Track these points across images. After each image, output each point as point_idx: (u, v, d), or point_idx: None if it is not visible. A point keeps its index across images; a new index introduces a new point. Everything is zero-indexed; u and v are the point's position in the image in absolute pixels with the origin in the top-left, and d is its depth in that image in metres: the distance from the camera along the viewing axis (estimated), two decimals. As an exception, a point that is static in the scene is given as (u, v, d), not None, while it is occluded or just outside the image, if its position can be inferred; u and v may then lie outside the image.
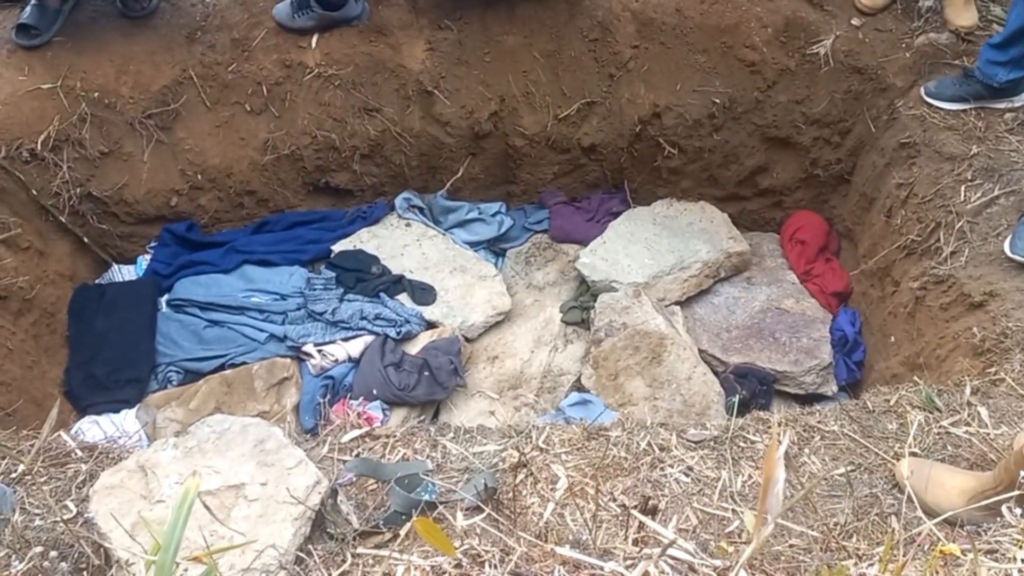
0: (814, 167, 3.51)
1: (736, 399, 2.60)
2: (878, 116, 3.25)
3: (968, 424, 2.14)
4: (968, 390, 2.24)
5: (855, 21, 3.28)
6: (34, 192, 3.17)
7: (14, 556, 1.72)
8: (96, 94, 3.23)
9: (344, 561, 1.64)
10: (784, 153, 3.51)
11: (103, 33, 3.30)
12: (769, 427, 2.20)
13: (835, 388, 3.17)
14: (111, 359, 3.17)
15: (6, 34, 3.26)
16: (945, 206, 2.84)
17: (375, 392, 3.07)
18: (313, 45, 3.29)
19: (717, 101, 3.35)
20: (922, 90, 3.08)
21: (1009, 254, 2.59)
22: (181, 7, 3.38)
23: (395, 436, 2.24)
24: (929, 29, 3.21)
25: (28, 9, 3.24)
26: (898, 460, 2.06)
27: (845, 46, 3.23)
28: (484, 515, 1.72)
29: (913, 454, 2.06)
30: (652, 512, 1.66)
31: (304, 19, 3.30)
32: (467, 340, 3.34)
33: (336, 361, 3.18)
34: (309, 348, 3.20)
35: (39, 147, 3.14)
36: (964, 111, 3.01)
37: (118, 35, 3.30)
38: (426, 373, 3.10)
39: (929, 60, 3.16)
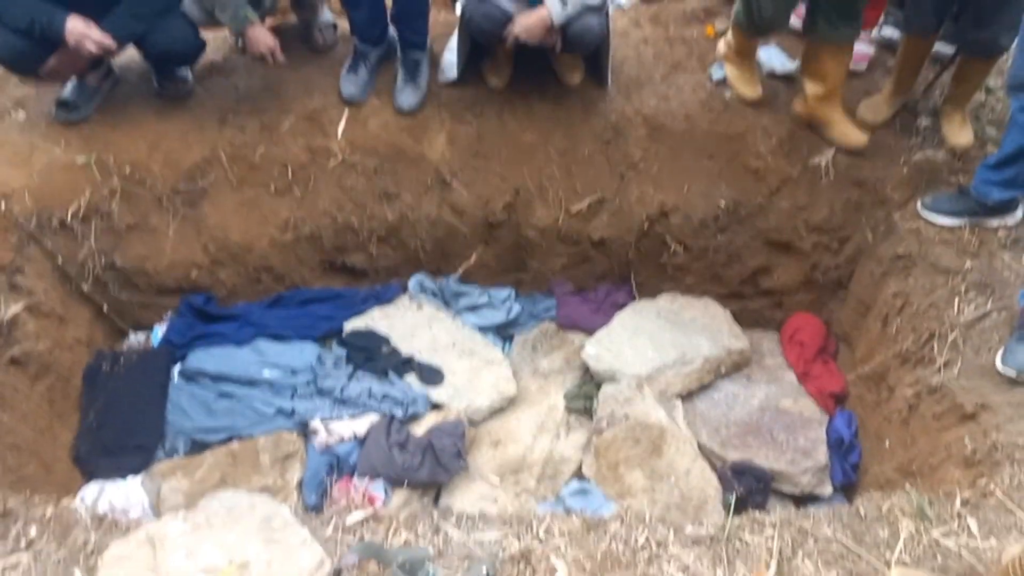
0: (814, 271, 3.63)
1: (733, 497, 2.64)
2: (876, 227, 3.37)
3: (957, 535, 2.19)
4: (958, 501, 2.29)
5: (855, 135, 3.44)
6: (59, 261, 3.28)
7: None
8: (128, 169, 3.37)
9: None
10: (785, 256, 3.63)
11: (139, 112, 3.47)
12: (764, 528, 2.25)
13: (830, 490, 3.20)
14: (120, 425, 3.22)
15: (46, 108, 3.43)
16: (939, 317, 2.93)
17: (379, 471, 3.12)
18: (339, 134, 3.45)
19: (722, 204, 3.49)
20: (919, 204, 3.22)
21: (1001, 368, 2.68)
22: (215, 91, 3.56)
23: (398, 520, 2.29)
24: (926, 147, 3.36)
25: (69, 86, 3.42)
26: (889, 568, 2.10)
27: (845, 159, 3.38)
28: (487, 608, 1.76)
29: (903, 563, 2.11)
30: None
31: (365, 72, 3.50)
32: (471, 423, 3.39)
33: (342, 438, 3.24)
34: (316, 424, 3.26)
35: (69, 218, 3.27)
36: (959, 227, 3.13)
37: (153, 114, 3.47)
38: (430, 455, 3.15)
39: (926, 176, 3.30)
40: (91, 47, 3.01)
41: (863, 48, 3.55)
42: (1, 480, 2.53)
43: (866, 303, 3.37)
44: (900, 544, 2.12)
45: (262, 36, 3.28)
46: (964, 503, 2.28)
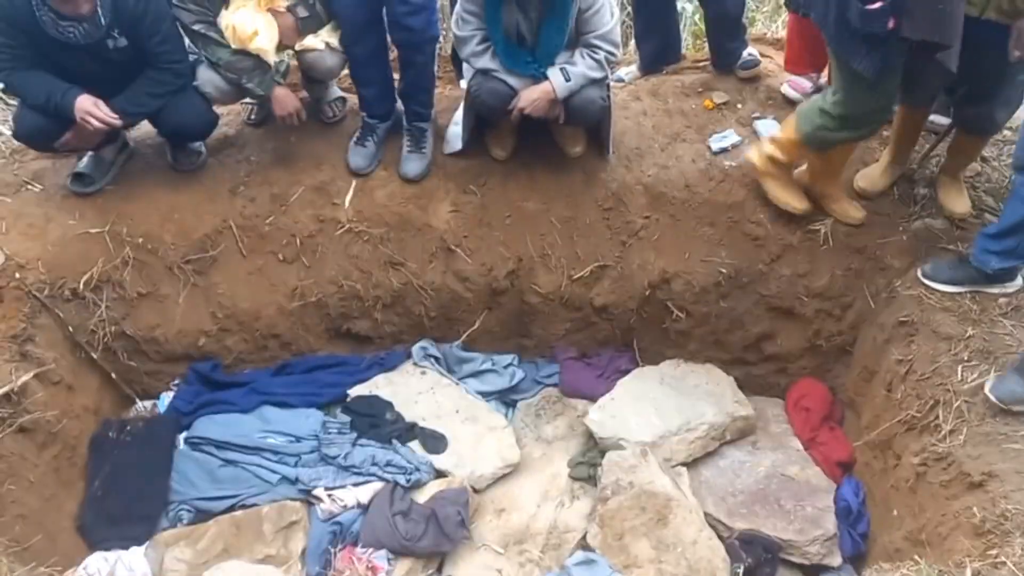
0: (817, 337, 3.63)
1: (742, 569, 2.61)
2: (877, 293, 3.39)
3: (969, 609, 2.17)
4: (969, 572, 2.27)
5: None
6: (71, 329, 3.32)
7: None
8: (140, 239, 3.45)
9: None
10: (788, 322, 3.65)
11: (153, 183, 3.56)
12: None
13: (840, 560, 3.15)
14: (124, 495, 3.23)
15: (62, 180, 3.52)
16: (943, 384, 2.93)
17: (382, 540, 3.10)
18: (346, 204, 3.53)
19: (723, 271, 3.52)
20: (919, 272, 3.23)
21: (987, 394, 2.75)
22: (227, 163, 3.65)
23: (400, 592, 2.28)
24: (925, 214, 3.40)
25: (85, 159, 3.52)
26: (899, 643, 2.08)
27: (844, 226, 3.42)
28: None
29: (914, 637, 2.08)
30: None
31: (372, 145, 3.62)
32: (475, 491, 3.38)
33: (345, 507, 3.23)
34: (320, 492, 3.25)
35: (81, 287, 3.33)
36: (959, 293, 3.14)
37: (166, 186, 3.56)
38: (434, 523, 3.13)
39: (925, 243, 3.33)
40: (97, 124, 3.11)
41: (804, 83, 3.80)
42: (6, 551, 2.52)
43: (871, 369, 3.37)
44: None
45: (287, 98, 3.43)
46: (975, 574, 2.25)
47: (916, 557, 2.41)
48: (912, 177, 3.52)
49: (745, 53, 3.94)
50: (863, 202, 3.45)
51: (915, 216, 3.42)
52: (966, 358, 2.96)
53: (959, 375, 2.92)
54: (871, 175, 3.47)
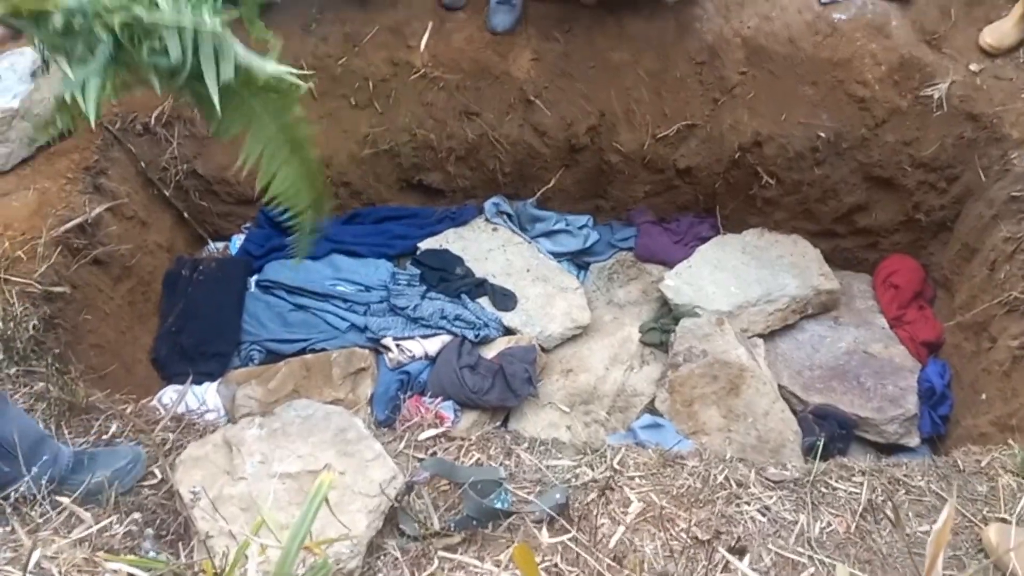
0: (916, 211, 3.40)
1: (820, 442, 2.53)
2: (989, 166, 3.13)
3: (1065, 496, 2.06)
4: (1066, 460, 2.15)
5: (973, 66, 3.17)
6: (143, 164, 3.29)
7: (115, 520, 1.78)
8: (211, 75, 3.33)
9: (431, 563, 1.66)
10: (886, 194, 3.41)
11: (223, 18, 3.41)
12: (853, 475, 2.15)
13: (917, 440, 3.07)
14: (198, 332, 3.27)
15: (129, 11, 3.40)
16: (1055, 266, 2.73)
17: (448, 392, 3.10)
18: (422, 47, 3.34)
19: (822, 135, 3.27)
20: None
21: None
22: (299, -1, 3.47)
23: (470, 440, 2.27)
24: (1053, 80, 3.09)
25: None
26: (986, 524, 1.99)
27: (961, 91, 3.12)
28: (570, 536, 1.71)
29: (1003, 520, 1.99)
30: (740, 553, 1.64)
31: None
32: (543, 350, 3.34)
33: (413, 357, 3.22)
34: (388, 341, 3.25)
35: (152, 122, 3.27)
36: None
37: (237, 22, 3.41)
38: (500, 379, 3.12)
39: (1050, 114, 3.04)
40: None
41: None
42: (83, 376, 2.57)
43: (972, 247, 3.15)
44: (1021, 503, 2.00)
45: None
46: (1071, 463, 2.14)
47: (1010, 441, 2.29)
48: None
49: None
50: (984, 64, 3.13)
51: (1042, 82, 3.10)
52: (1084, 239, 2.74)
53: (1074, 257, 2.71)
54: (1001, 29, 3.13)
